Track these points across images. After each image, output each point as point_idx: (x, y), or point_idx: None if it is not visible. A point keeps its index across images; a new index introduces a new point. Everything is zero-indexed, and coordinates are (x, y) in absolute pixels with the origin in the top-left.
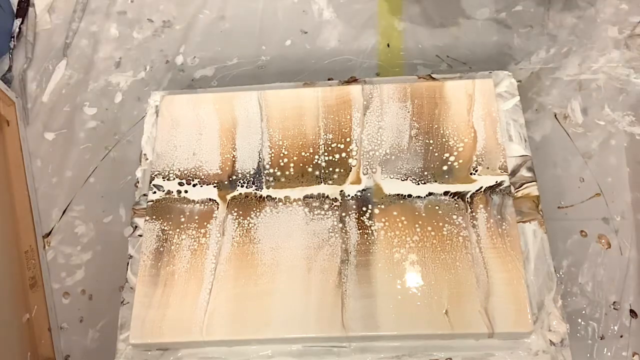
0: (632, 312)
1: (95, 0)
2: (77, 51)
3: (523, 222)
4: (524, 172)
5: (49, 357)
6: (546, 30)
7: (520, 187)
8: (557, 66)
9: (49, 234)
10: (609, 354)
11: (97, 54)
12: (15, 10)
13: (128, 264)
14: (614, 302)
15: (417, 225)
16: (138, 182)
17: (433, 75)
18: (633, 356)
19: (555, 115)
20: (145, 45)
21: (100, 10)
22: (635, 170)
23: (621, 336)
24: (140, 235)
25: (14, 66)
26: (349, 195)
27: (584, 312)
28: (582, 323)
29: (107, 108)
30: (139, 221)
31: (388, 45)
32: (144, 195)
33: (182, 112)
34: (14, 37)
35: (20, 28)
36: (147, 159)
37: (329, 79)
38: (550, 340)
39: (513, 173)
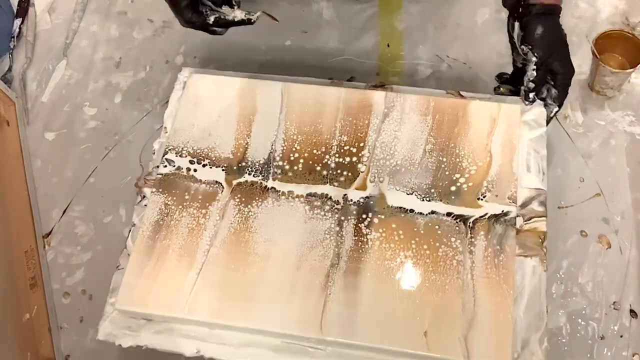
0: (632, 312)
1: (95, 0)
2: (77, 51)
3: (525, 256)
4: (535, 206)
5: (49, 357)
6: None
7: (529, 220)
8: None
9: (49, 234)
10: (609, 354)
11: (97, 54)
12: (15, 10)
13: (130, 230)
14: (614, 302)
15: (413, 242)
16: (154, 152)
17: (462, 93)
18: (633, 356)
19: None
20: (145, 45)
21: (100, 10)
22: (635, 170)
23: (621, 336)
24: (146, 205)
25: (14, 66)
26: (351, 200)
27: (584, 312)
28: (582, 323)
29: (107, 108)
30: (147, 191)
31: (388, 46)
32: (157, 166)
33: (205, 92)
34: (14, 37)
35: (20, 28)
36: (166, 132)
37: (329, 79)
38: None
39: (524, 205)
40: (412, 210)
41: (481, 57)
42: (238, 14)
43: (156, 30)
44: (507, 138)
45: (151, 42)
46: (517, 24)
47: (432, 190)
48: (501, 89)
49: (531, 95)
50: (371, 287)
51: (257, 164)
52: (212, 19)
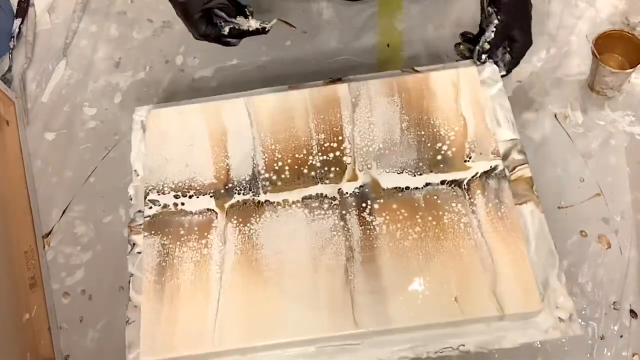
0: (632, 312)
1: (95, 0)
2: (77, 51)
3: (519, 204)
4: (515, 155)
5: (49, 357)
6: (546, 30)
7: (513, 170)
8: (557, 66)
9: (48, 234)
10: (609, 354)
11: (97, 54)
12: (15, 10)
13: (129, 282)
14: (614, 302)
15: (417, 216)
16: (131, 198)
17: (416, 68)
18: (633, 356)
19: (555, 115)
20: (145, 45)
21: (100, 10)
22: (635, 170)
23: (621, 336)
24: (139, 253)
25: (14, 66)
26: (347, 193)
27: (584, 312)
28: (582, 323)
29: (107, 108)
30: (137, 238)
31: (388, 45)
32: (139, 211)
33: (170, 125)
34: (13, 37)
35: (20, 28)
36: (138, 175)
37: (329, 79)
38: (559, 317)
39: (504, 157)
40: (407, 188)
41: None
42: (253, 24)
43: (156, 30)
44: (473, 99)
45: (151, 42)
46: None
47: (421, 164)
48: (461, 46)
49: (483, 56)
50: (392, 270)
51: (244, 181)
52: (226, 30)
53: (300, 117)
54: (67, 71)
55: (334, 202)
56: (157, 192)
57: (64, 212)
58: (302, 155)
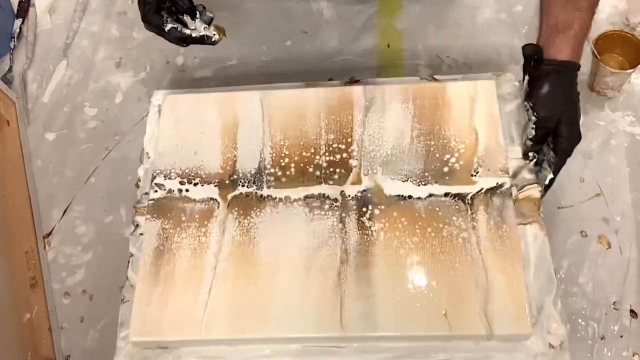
0: (632, 312)
1: (95, 0)
2: (78, 51)
3: (523, 224)
4: (525, 174)
5: (50, 357)
6: None
7: (522, 189)
8: None
9: (49, 234)
10: (609, 354)
11: (98, 54)
12: (15, 11)
13: (129, 262)
14: (614, 302)
15: (417, 227)
16: (140, 180)
17: (435, 77)
18: (633, 356)
19: None
20: (145, 45)
21: (101, 10)
22: (635, 170)
23: (621, 336)
24: (142, 234)
25: (15, 66)
26: (349, 196)
27: (584, 312)
28: (582, 323)
29: (108, 108)
30: (140, 219)
31: (388, 46)
32: (146, 193)
33: (184, 112)
34: (14, 37)
35: (20, 28)
36: (149, 157)
37: (329, 80)
38: (550, 344)
39: (514, 175)
40: (410, 197)
41: (481, 57)
42: (198, 26)
43: None
44: (489, 113)
45: (151, 42)
46: (526, 77)
47: (426, 174)
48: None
49: (530, 154)
50: (384, 277)
51: (249, 174)
52: (168, 27)
53: (312, 116)
54: (67, 71)
55: (335, 204)
56: (164, 176)
57: (64, 212)
58: (309, 154)
